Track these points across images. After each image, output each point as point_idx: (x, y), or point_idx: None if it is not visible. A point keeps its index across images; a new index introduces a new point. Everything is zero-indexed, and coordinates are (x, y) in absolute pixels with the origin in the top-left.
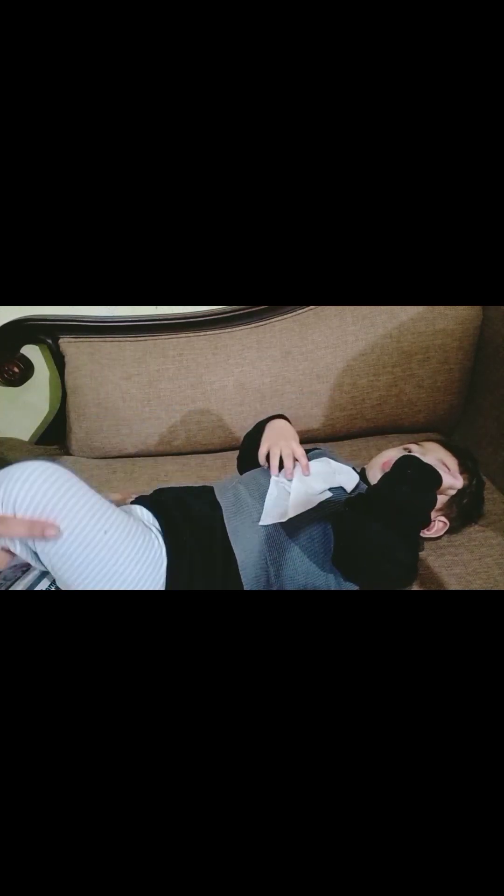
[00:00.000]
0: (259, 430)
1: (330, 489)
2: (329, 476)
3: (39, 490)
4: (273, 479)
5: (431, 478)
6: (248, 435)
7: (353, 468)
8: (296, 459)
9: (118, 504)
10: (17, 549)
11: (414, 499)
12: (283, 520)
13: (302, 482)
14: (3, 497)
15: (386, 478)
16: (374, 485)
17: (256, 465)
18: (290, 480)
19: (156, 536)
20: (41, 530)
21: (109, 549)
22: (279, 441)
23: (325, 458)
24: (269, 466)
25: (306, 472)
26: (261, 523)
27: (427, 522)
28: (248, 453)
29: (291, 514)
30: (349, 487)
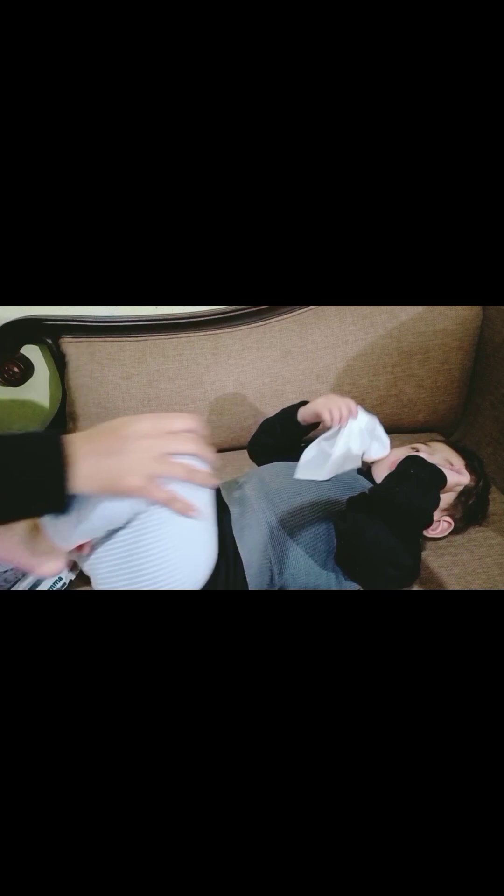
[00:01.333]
0: (286, 411)
1: (338, 484)
2: (367, 438)
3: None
4: (318, 440)
5: (436, 477)
6: (269, 420)
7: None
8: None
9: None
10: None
11: (417, 499)
12: (321, 479)
13: (347, 440)
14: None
15: (389, 477)
16: (378, 484)
17: (275, 451)
18: (340, 432)
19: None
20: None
21: (193, 533)
22: (333, 397)
23: (373, 418)
24: (323, 421)
25: (355, 411)
26: (295, 476)
27: (430, 522)
28: (277, 428)
29: (326, 476)
30: (375, 456)
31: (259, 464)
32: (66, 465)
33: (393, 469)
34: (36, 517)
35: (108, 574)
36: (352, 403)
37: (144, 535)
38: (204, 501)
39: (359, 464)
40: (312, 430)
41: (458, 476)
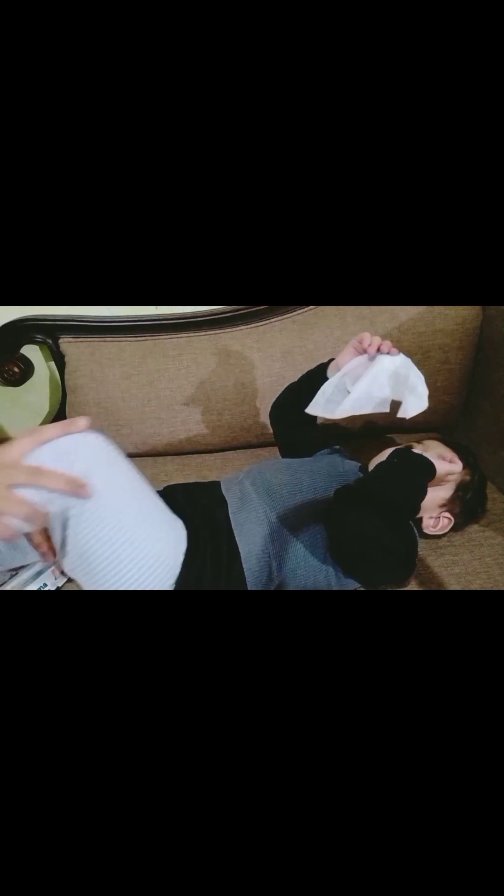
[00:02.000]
0: (314, 369)
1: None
2: (399, 385)
3: (97, 455)
4: (337, 375)
5: (420, 466)
6: (294, 382)
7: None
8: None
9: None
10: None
11: (401, 486)
12: (331, 417)
13: (374, 378)
14: (70, 463)
15: (376, 467)
16: (365, 475)
17: (298, 409)
18: (367, 369)
19: (178, 521)
20: (78, 488)
21: (139, 518)
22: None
23: (411, 364)
24: (358, 352)
25: (394, 352)
26: (307, 411)
27: (416, 510)
28: (304, 382)
29: (341, 414)
30: (411, 411)
31: (278, 431)
32: None
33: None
34: None
35: (83, 577)
36: (388, 342)
37: (83, 536)
38: (129, 483)
39: (386, 409)
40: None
41: (448, 465)
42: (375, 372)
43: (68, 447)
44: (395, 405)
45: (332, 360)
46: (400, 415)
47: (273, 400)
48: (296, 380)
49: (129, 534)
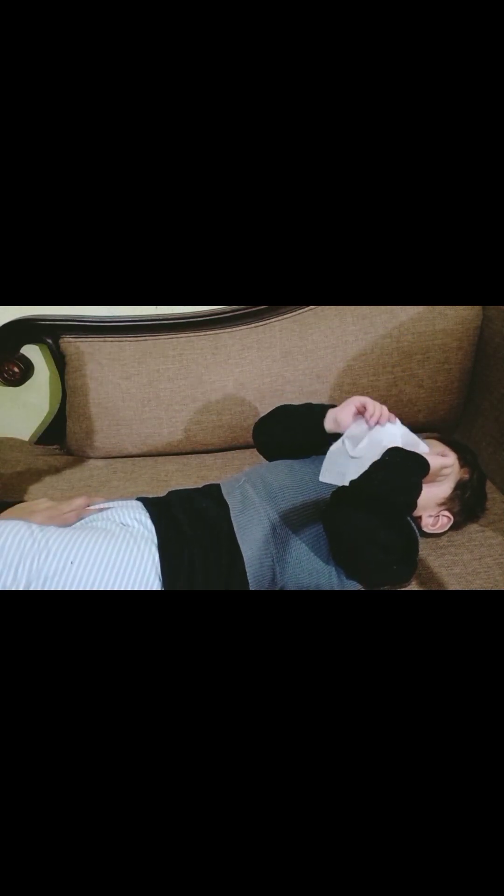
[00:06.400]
0: (312, 413)
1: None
2: (402, 440)
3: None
4: (340, 442)
5: (412, 462)
6: (289, 413)
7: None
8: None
9: (81, 508)
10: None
11: (394, 483)
12: (340, 483)
13: (373, 444)
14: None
15: (369, 467)
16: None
17: (290, 451)
18: (368, 434)
19: (139, 539)
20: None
21: (84, 575)
22: (357, 398)
23: (408, 431)
24: (355, 419)
25: (393, 420)
26: (321, 479)
27: (412, 506)
28: (300, 432)
29: (352, 476)
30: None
31: (266, 454)
32: None
33: None
34: None
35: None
36: (386, 410)
37: (53, 571)
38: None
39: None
40: (336, 438)
41: (441, 459)
42: (378, 438)
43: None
44: None
45: (330, 407)
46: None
47: (273, 400)
48: (290, 407)
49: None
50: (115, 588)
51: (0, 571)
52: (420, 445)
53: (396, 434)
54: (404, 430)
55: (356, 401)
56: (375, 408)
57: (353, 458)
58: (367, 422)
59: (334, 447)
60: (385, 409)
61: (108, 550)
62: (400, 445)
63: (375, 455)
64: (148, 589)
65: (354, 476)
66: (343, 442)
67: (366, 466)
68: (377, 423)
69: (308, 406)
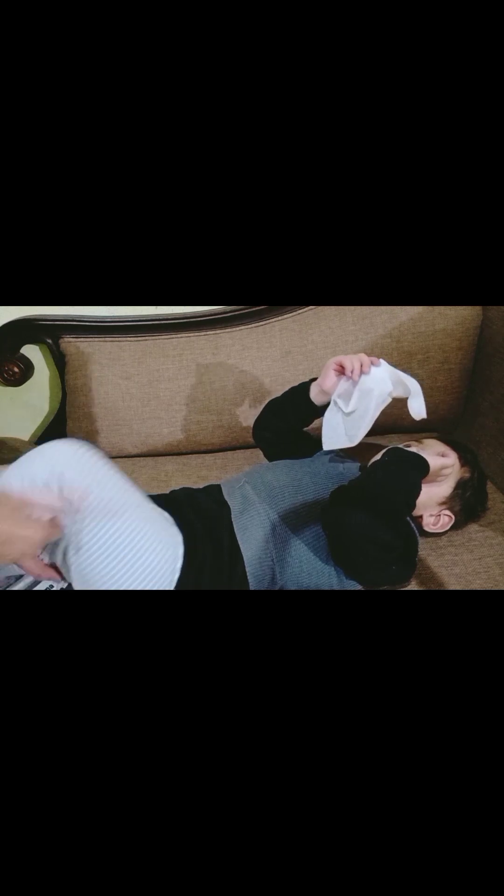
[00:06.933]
0: (295, 390)
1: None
2: (391, 380)
3: (85, 467)
4: (332, 404)
5: (411, 462)
6: (276, 400)
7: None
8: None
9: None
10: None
11: (393, 482)
12: (350, 446)
13: (364, 393)
14: (50, 474)
15: (368, 467)
16: (358, 476)
17: (286, 434)
18: (354, 391)
19: (174, 527)
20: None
21: (132, 529)
22: (332, 360)
23: (390, 366)
24: (339, 380)
25: (377, 363)
26: (325, 448)
27: (412, 506)
28: (288, 408)
29: (358, 441)
30: (421, 411)
31: (266, 451)
32: None
33: None
34: None
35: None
36: (364, 357)
37: (81, 560)
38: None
39: (389, 400)
40: (325, 410)
41: (441, 459)
42: (368, 387)
43: (54, 462)
44: (401, 405)
45: (312, 380)
46: (417, 418)
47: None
48: (277, 398)
49: (125, 551)
50: (131, 568)
51: (42, 472)
52: (408, 381)
53: (384, 376)
54: (391, 369)
55: (332, 363)
56: (353, 361)
57: (348, 414)
58: (350, 377)
59: (328, 413)
60: (363, 356)
61: (157, 520)
62: (389, 387)
63: (370, 403)
64: (160, 579)
65: (354, 431)
66: (335, 403)
67: (364, 417)
68: (361, 373)
69: (290, 389)
